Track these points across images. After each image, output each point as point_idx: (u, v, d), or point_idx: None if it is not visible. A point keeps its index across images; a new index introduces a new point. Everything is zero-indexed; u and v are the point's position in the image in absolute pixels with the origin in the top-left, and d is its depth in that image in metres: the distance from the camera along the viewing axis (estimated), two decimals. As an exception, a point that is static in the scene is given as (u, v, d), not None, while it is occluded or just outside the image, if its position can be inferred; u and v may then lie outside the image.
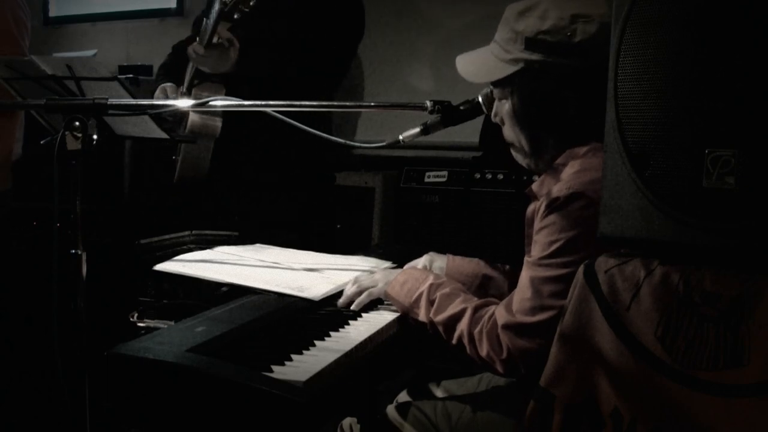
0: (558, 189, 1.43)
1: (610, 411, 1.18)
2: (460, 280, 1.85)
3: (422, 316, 1.55)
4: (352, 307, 1.65)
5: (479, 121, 1.62)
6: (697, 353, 1.11)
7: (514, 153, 1.63)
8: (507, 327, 1.40)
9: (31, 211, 3.07)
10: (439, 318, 1.52)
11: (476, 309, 1.48)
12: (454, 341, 1.50)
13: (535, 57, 1.46)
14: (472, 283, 1.84)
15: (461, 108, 1.63)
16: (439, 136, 1.71)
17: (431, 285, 1.57)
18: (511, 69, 1.50)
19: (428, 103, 1.59)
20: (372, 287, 1.67)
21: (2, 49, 2.63)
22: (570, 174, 1.45)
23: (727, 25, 1.08)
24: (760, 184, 1.05)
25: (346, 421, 1.80)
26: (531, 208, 1.56)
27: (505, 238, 2.87)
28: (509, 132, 1.58)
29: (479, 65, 1.57)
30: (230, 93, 2.42)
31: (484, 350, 1.42)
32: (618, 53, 1.20)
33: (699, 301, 1.12)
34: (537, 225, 1.45)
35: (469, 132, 2.62)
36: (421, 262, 1.90)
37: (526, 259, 1.47)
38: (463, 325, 1.47)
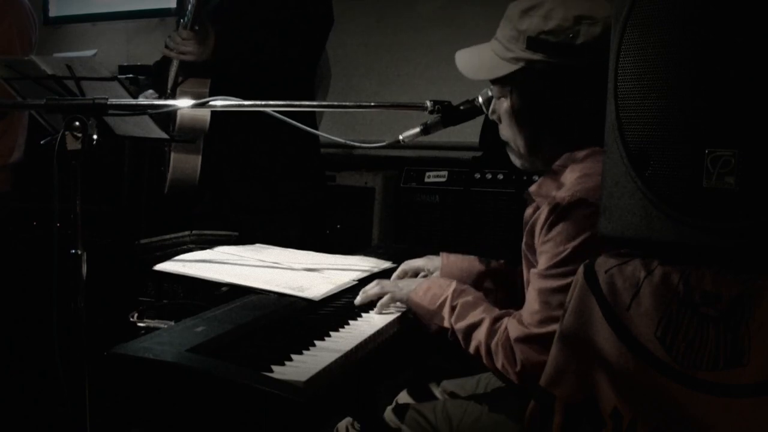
0: (561, 195, 1.42)
1: (610, 411, 1.18)
2: (455, 277, 1.85)
3: (446, 322, 1.54)
4: (375, 309, 1.63)
5: (479, 121, 1.62)
6: (697, 353, 1.11)
7: (509, 152, 1.63)
8: (519, 340, 1.39)
9: (31, 212, 3.07)
10: (459, 325, 1.51)
11: (494, 320, 1.47)
12: (471, 351, 1.49)
13: (536, 57, 1.46)
14: (467, 280, 1.83)
15: (461, 108, 1.63)
16: (439, 136, 1.71)
17: (454, 290, 1.56)
18: (511, 67, 1.49)
19: (428, 103, 1.59)
20: (395, 291, 1.64)
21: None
22: (572, 179, 1.45)
23: (727, 25, 1.07)
24: (760, 184, 1.05)
25: (342, 424, 1.80)
26: (529, 211, 1.55)
27: (505, 238, 2.87)
28: (506, 131, 1.58)
29: (480, 62, 1.56)
30: (215, 85, 2.44)
31: (499, 362, 1.42)
32: (618, 53, 1.20)
33: (699, 301, 1.12)
34: (542, 237, 1.43)
35: (469, 132, 2.62)
36: (419, 262, 1.90)
37: (532, 271, 1.46)
38: (480, 336, 1.47)
